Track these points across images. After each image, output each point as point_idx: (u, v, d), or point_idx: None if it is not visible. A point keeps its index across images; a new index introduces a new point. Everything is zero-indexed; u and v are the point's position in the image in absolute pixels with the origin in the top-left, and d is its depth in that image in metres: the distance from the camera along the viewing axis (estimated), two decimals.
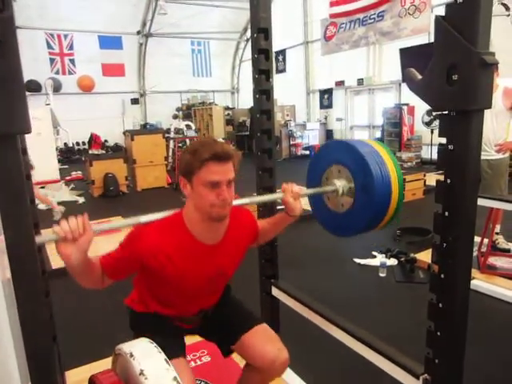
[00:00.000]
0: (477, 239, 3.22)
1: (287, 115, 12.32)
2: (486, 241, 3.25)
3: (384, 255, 3.67)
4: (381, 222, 1.52)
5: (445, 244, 1.13)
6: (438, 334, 1.18)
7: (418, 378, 1.28)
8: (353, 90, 11.16)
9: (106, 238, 4.91)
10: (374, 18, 8.19)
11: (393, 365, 1.39)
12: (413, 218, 4.99)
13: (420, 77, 1.13)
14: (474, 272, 3.08)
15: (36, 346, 0.99)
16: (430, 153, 8.75)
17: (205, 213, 1.28)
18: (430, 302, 1.19)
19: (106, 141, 13.33)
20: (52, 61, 12.24)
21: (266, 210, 1.93)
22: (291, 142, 11.59)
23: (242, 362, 1.66)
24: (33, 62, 11.22)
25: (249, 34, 11.70)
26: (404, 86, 9.08)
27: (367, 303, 2.94)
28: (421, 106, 8.34)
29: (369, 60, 10.30)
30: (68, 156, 12.31)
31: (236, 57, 15.40)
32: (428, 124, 8.52)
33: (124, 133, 10.98)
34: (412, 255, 3.49)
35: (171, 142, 8.97)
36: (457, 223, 1.10)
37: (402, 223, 4.48)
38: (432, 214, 1.15)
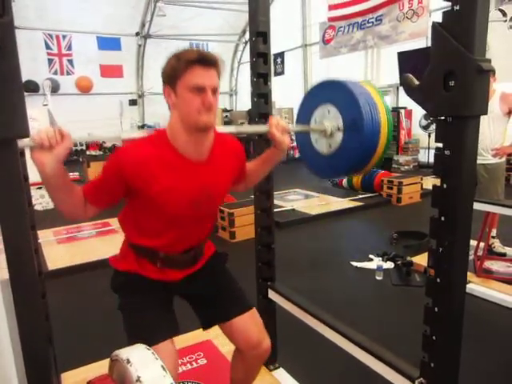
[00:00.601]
0: (473, 243, 3.24)
1: (285, 118, 12.34)
2: (482, 244, 3.26)
3: (381, 258, 3.68)
4: (368, 163, 1.50)
5: (441, 249, 1.13)
6: (434, 338, 1.18)
7: (413, 381, 1.28)
8: None
9: (103, 238, 4.91)
10: (373, 22, 8.23)
11: (388, 368, 1.39)
12: (409, 221, 5.01)
13: (417, 83, 1.13)
14: (470, 276, 3.09)
15: (32, 348, 0.99)
16: (427, 156, 8.79)
17: (189, 121, 1.24)
18: (425, 307, 1.20)
19: (103, 142, 13.32)
20: (50, 61, 12.22)
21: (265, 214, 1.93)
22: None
23: None
24: (31, 63, 11.20)
25: (247, 36, 11.73)
26: (402, 89, 9.11)
27: (363, 306, 2.95)
28: (418, 110, 8.37)
29: (367, 63, 10.33)
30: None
31: (234, 59, 15.41)
32: (425, 128, 8.56)
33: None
34: (408, 259, 3.50)
35: None
36: (453, 228, 1.11)
37: (399, 226, 4.50)
38: (429, 218, 1.16)
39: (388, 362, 1.40)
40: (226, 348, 2.28)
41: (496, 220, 3.47)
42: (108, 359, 1.21)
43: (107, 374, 1.26)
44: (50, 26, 11.83)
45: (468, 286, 2.85)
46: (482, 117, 1.07)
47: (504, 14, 5.26)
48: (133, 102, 14.27)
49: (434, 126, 8.56)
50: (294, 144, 11.60)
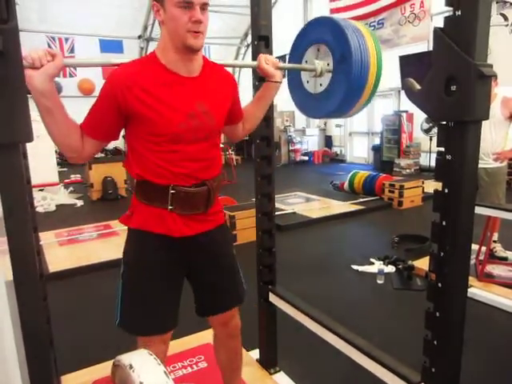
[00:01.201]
0: (475, 247, 3.23)
1: (286, 121, 12.35)
2: (483, 249, 3.26)
3: (382, 262, 3.67)
4: (359, 99, 1.53)
5: (442, 253, 1.13)
6: (435, 342, 1.18)
7: None
8: None
9: (104, 241, 4.91)
10: (374, 26, 8.25)
11: (389, 373, 1.39)
12: (411, 225, 5.01)
13: (419, 87, 1.14)
14: (472, 280, 3.08)
15: (33, 349, 1.00)
16: (429, 160, 8.79)
17: (178, 40, 1.23)
18: (427, 311, 1.19)
19: None
20: None
21: (266, 217, 1.93)
22: (290, 148, 11.62)
23: None
24: None
25: (249, 39, 11.75)
26: (403, 93, 9.12)
27: (364, 310, 2.94)
28: (420, 114, 8.38)
29: None
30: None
31: None
32: (427, 131, 8.56)
33: (123, 136, 10.98)
34: (410, 262, 3.50)
35: None
36: (454, 232, 1.11)
37: (401, 230, 4.50)
38: (430, 222, 1.16)
39: (389, 367, 1.39)
40: None
41: (497, 224, 3.47)
42: (108, 362, 1.21)
43: (110, 379, 1.27)
44: (52, 29, 11.89)
45: (469, 290, 2.85)
46: (483, 121, 1.08)
47: (506, 18, 5.28)
48: None
49: (435, 130, 8.55)
50: (296, 147, 11.62)
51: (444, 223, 1.12)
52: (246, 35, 14.31)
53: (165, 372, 1.06)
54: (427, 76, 1.09)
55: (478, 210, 2.52)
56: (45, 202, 6.38)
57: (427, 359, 1.22)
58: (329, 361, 2.18)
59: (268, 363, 2.09)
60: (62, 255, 4.16)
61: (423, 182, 6.23)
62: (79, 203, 6.86)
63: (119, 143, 13.20)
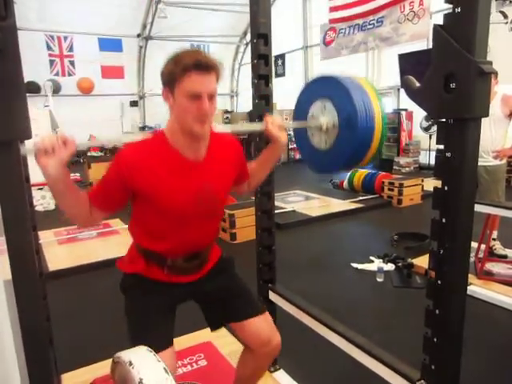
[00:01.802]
0: (474, 245, 3.23)
1: (286, 119, 12.35)
2: (483, 246, 3.26)
3: (381, 260, 3.67)
4: (364, 157, 1.54)
5: (442, 250, 1.13)
6: (435, 340, 1.18)
7: (414, 383, 1.28)
8: None
9: (104, 239, 4.90)
10: (374, 24, 8.24)
11: (389, 370, 1.39)
12: (410, 223, 5.01)
13: (418, 84, 1.13)
14: (471, 278, 3.09)
15: (33, 348, 1.00)
16: (428, 158, 8.78)
17: (185, 126, 1.26)
18: (426, 309, 1.19)
19: None
20: (52, 62, 12.25)
21: (266, 217, 1.93)
22: (290, 146, 11.61)
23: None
24: (32, 64, 11.20)
25: (248, 37, 11.73)
26: (403, 91, 9.12)
27: (364, 308, 2.94)
28: (419, 112, 8.37)
29: (368, 65, 10.34)
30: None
31: (235, 60, 15.43)
32: (426, 129, 8.56)
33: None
34: (409, 260, 3.50)
35: None
36: (454, 230, 1.11)
37: (400, 228, 4.50)
38: (429, 219, 1.16)
39: (389, 364, 1.40)
40: (226, 349, 2.28)
41: (497, 222, 3.47)
42: (108, 360, 1.21)
43: (109, 376, 1.27)
44: (51, 27, 11.86)
45: (469, 288, 2.85)
46: (483, 119, 1.07)
47: (505, 16, 5.27)
48: (134, 103, 14.29)
49: (434, 128, 8.57)
50: (295, 145, 11.61)
51: (444, 220, 1.12)
52: (245, 33, 14.29)
53: (165, 368, 1.06)
54: (427, 73, 1.08)
55: (478, 207, 2.52)
56: (44, 200, 6.37)
57: (427, 357, 1.22)
58: (328, 359, 2.18)
59: None
60: (61, 254, 4.16)
61: (423, 180, 6.23)
62: None
63: (118, 143, 13.19)
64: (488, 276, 3.16)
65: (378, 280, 3.34)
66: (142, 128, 13.80)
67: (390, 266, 3.55)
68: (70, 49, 12.35)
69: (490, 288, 2.99)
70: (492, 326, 2.63)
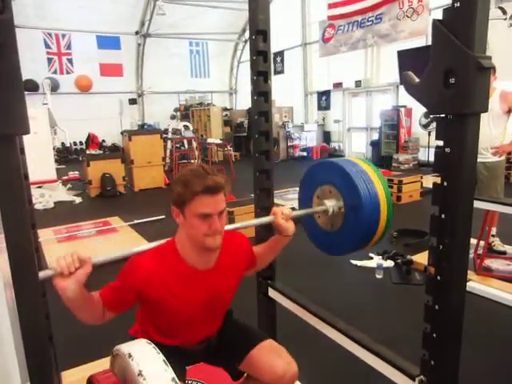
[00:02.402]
0: (473, 241, 3.24)
1: (285, 116, 12.34)
2: (482, 243, 3.26)
3: (381, 257, 3.68)
4: (371, 240, 1.57)
5: (441, 246, 1.13)
6: (434, 335, 1.18)
7: (413, 379, 1.28)
8: (351, 92, 11.19)
9: (103, 237, 4.90)
10: (373, 21, 8.23)
11: (388, 366, 1.39)
12: (409, 219, 5.01)
13: (417, 80, 1.13)
14: (470, 274, 3.09)
15: (33, 346, 0.99)
16: (427, 155, 8.79)
17: (197, 242, 1.31)
18: (426, 304, 1.19)
19: (103, 141, 13.32)
20: (50, 60, 12.23)
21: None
22: (289, 144, 11.62)
23: None
24: (30, 62, 11.20)
25: (247, 35, 11.72)
26: (402, 88, 9.12)
27: (364, 304, 2.95)
28: (418, 109, 8.38)
29: (367, 62, 10.33)
30: (65, 156, 12.29)
31: (234, 58, 15.41)
32: (425, 126, 8.56)
33: (122, 133, 10.97)
34: (408, 257, 3.51)
35: (169, 142, 8.97)
36: (453, 226, 1.10)
37: (399, 225, 4.50)
38: (428, 216, 1.16)
39: (388, 360, 1.40)
40: None
41: (496, 218, 3.47)
42: (108, 357, 1.21)
43: (108, 369, 1.27)
44: (49, 25, 11.83)
45: (468, 284, 2.86)
46: (481, 115, 1.07)
47: (504, 11, 5.26)
48: (132, 101, 14.28)
49: (433, 125, 8.57)
50: (294, 143, 11.61)
51: (443, 216, 1.12)
52: (243, 31, 14.26)
53: (164, 360, 1.06)
54: (426, 69, 1.08)
55: (477, 204, 2.52)
56: (43, 199, 6.37)
57: (426, 352, 1.22)
58: (328, 355, 2.18)
59: None
60: (60, 252, 4.13)
61: (422, 177, 6.23)
62: (78, 200, 6.85)
63: (117, 140, 13.18)
64: (487, 272, 3.17)
65: (378, 276, 3.35)
66: (141, 126, 13.79)
67: (390, 263, 3.56)
68: (68, 47, 12.33)
69: (488, 284, 3.00)
70: (491, 322, 2.63)
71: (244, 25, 13.85)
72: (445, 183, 1.10)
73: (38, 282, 1.00)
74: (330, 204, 1.56)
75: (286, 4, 11.93)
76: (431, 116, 8.04)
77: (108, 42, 12.81)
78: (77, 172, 9.05)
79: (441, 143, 1.10)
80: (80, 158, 9.99)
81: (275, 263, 2.02)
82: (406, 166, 8.89)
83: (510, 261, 3.38)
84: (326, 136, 12.12)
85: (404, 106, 9.22)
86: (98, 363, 2.11)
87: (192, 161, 9.09)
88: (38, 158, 5.95)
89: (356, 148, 11.42)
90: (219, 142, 10.33)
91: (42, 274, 1.08)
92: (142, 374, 1.05)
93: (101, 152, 8.92)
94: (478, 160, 3.02)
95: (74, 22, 11.86)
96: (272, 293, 1.98)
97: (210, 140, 10.39)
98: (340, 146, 11.84)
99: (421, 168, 8.67)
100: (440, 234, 1.14)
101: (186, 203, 1.25)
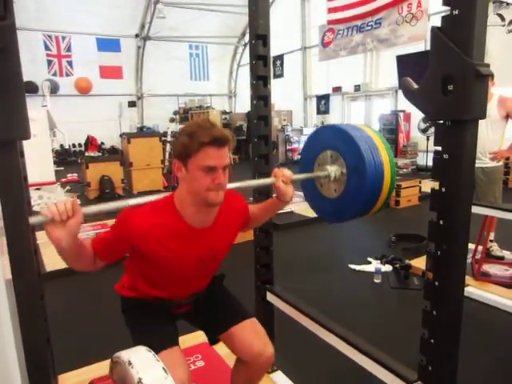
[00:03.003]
0: (471, 246, 3.24)
1: (284, 120, 12.36)
2: (480, 248, 3.27)
3: (379, 261, 3.68)
4: (373, 206, 1.53)
5: (439, 252, 1.14)
6: (432, 341, 1.18)
7: None
8: (350, 96, 11.22)
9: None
10: (372, 25, 8.26)
11: (386, 371, 1.39)
12: (408, 224, 5.02)
13: (416, 86, 1.14)
14: (468, 279, 3.09)
15: (32, 349, 0.99)
16: (426, 159, 8.81)
17: (199, 197, 1.27)
18: (423, 310, 1.20)
19: (102, 143, 13.32)
20: (49, 62, 12.24)
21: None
22: (288, 147, 11.62)
23: None
24: (30, 64, 11.21)
25: (247, 38, 11.74)
26: (400, 92, 9.15)
27: (362, 309, 2.95)
28: (417, 113, 8.39)
29: (366, 66, 10.37)
30: (64, 158, 12.28)
31: (234, 61, 15.45)
32: (424, 131, 8.58)
33: (121, 135, 10.98)
34: (407, 262, 3.50)
35: (168, 145, 8.96)
36: (451, 231, 1.11)
37: (398, 229, 4.51)
38: (427, 221, 1.16)
39: (386, 365, 1.40)
40: (224, 350, 2.26)
41: (494, 223, 3.48)
42: (106, 361, 1.21)
43: (108, 376, 1.26)
44: (49, 27, 11.85)
45: (466, 289, 2.86)
46: (480, 120, 1.08)
47: (502, 18, 5.29)
48: (132, 104, 14.28)
49: (432, 130, 8.60)
50: (293, 146, 11.62)
51: (441, 222, 1.12)
52: (243, 34, 14.30)
53: (164, 368, 1.06)
54: (424, 75, 1.09)
55: (475, 209, 2.53)
56: (41, 201, 6.35)
57: (424, 358, 1.22)
58: (326, 360, 2.18)
59: None
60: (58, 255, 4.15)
61: (420, 182, 6.24)
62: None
63: (116, 142, 13.18)
64: (485, 277, 3.17)
65: (376, 281, 3.35)
66: (140, 128, 13.79)
67: (388, 267, 3.55)
68: (68, 49, 12.34)
69: (486, 289, 3.00)
70: (489, 327, 2.63)
71: (244, 28, 13.89)
72: (443, 189, 1.11)
73: (36, 285, 1.01)
74: (332, 169, 1.54)
75: (286, 8, 11.97)
76: (430, 121, 8.07)
77: (108, 44, 12.82)
78: (75, 174, 9.03)
79: (439, 149, 1.11)
80: (79, 161, 9.95)
81: (273, 267, 2.02)
82: (404, 170, 8.90)
83: (508, 266, 3.39)
84: None
85: (403, 111, 9.24)
86: (96, 366, 2.10)
87: None
88: (37, 159, 5.91)
89: None
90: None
91: (33, 220, 1.06)
92: (141, 382, 1.05)
93: (100, 154, 8.93)
94: (476, 165, 3.02)
95: (74, 24, 11.88)
96: (270, 297, 1.98)
97: None
98: None
99: (419, 172, 8.68)
100: (438, 240, 1.14)
101: (190, 155, 1.22)
